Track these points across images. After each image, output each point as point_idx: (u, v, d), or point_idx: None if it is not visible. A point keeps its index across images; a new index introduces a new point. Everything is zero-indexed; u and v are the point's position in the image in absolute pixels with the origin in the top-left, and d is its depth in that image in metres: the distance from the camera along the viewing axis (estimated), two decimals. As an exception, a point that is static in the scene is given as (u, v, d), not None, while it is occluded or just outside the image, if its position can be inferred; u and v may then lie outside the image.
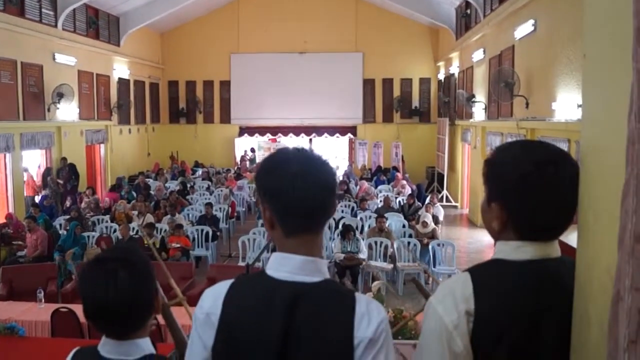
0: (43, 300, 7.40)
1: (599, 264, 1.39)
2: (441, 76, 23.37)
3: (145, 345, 1.88)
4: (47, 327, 6.70)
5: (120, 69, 20.61)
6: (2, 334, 5.86)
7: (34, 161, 15.79)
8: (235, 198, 16.29)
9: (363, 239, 10.81)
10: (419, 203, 14.51)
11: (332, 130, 24.46)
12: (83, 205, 14.19)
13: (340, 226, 11.35)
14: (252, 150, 24.27)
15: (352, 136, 24.61)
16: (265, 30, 23.66)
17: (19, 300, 7.77)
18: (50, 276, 9.10)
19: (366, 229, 12.12)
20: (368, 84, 24.27)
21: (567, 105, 9.82)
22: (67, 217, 12.48)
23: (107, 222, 12.81)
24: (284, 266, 1.61)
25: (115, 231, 12.01)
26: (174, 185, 17.75)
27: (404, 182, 17.80)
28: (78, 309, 6.48)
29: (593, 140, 1.48)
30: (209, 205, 13.48)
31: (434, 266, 10.53)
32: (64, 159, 15.62)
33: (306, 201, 1.58)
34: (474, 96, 16.55)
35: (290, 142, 24.05)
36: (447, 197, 19.63)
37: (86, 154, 18.00)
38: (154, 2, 20.14)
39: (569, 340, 1.55)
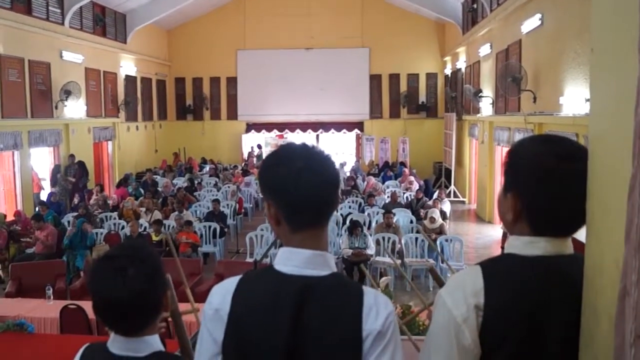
0: (52, 297, 7.44)
1: (607, 257, 1.39)
2: (448, 71, 23.31)
3: (154, 342, 1.88)
4: (56, 324, 6.74)
5: (127, 66, 20.66)
6: (12, 330, 5.89)
7: (37, 157, 15.81)
8: (242, 194, 16.31)
9: (371, 235, 10.80)
10: (427, 198, 14.49)
11: (339, 126, 24.46)
12: (92, 202, 14.24)
13: (347, 222, 11.35)
14: (259, 146, 24.26)
15: (359, 132, 24.58)
16: (272, 27, 23.66)
17: (28, 297, 7.82)
18: (59, 273, 9.13)
19: (374, 224, 12.12)
20: (375, 80, 24.24)
21: (575, 99, 9.78)
22: (75, 214, 12.54)
23: (115, 218, 12.85)
24: (291, 260, 1.62)
25: (123, 228, 12.05)
26: (181, 182, 17.79)
27: (412, 177, 17.79)
28: (87, 305, 6.52)
29: (601, 134, 1.48)
30: (216, 201, 13.49)
31: (442, 262, 10.50)
32: (72, 156, 15.67)
33: (311, 196, 1.59)
34: (481, 91, 16.50)
35: (297, 138, 24.03)
36: (454, 192, 19.59)
37: (94, 151, 18.06)
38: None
39: (576, 337, 1.55)
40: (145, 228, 11.68)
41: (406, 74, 24.12)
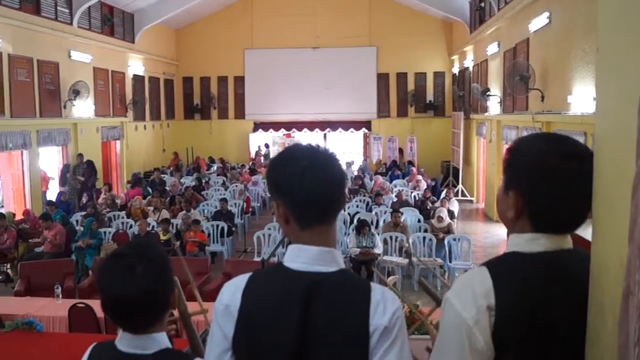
0: (60, 296, 7.46)
1: (612, 256, 1.39)
2: (455, 70, 23.27)
3: (162, 339, 1.90)
4: (65, 323, 6.76)
5: (135, 66, 20.72)
6: (21, 329, 5.92)
7: (46, 157, 15.87)
8: (250, 193, 16.32)
9: (378, 234, 10.80)
10: (434, 197, 14.48)
11: (347, 125, 24.44)
12: (100, 201, 14.30)
13: (355, 221, 11.34)
14: (267, 145, 24.28)
15: (366, 131, 24.57)
16: (279, 26, 23.68)
17: (37, 296, 7.85)
18: (68, 272, 9.16)
19: (381, 223, 12.11)
20: (382, 79, 24.21)
21: (583, 98, 9.75)
22: (84, 213, 12.59)
23: (123, 217, 12.90)
24: (300, 257, 1.65)
25: (131, 227, 12.10)
26: (189, 181, 17.83)
27: (419, 176, 17.76)
28: (95, 304, 6.54)
29: (606, 133, 1.48)
30: (224, 200, 13.51)
31: (450, 261, 10.50)
32: (81, 155, 15.73)
33: (316, 194, 1.62)
34: (488, 90, 16.46)
35: (305, 137, 24.07)
36: (462, 191, 19.55)
37: (102, 150, 18.12)
38: (168, -1, 20.30)
39: (582, 331, 1.55)
40: (153, 227, 11.72)
41: (413, 73, 24.09)
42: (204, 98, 24.84)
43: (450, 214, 12.29)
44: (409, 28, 23.42)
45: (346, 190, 1.77)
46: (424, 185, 16.76)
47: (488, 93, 16.37)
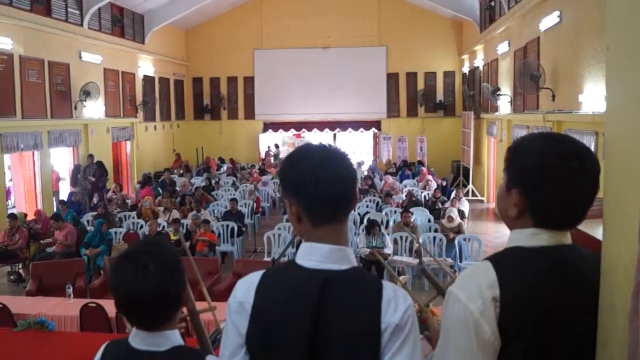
0: (72, 296, 7.50)
1: (623, 254, 1.39)
2: (465, 69, 23.19)
3: (175, 336, 1.93)
4: (76, 322, 6.80)
5: (145, 67, 20.79)
6: (33, 328, 5.95)
7: (57, 157, 15.95)
8: (259, 193, 16.33)
9: (388, 234, 10.79)
10: (444, 197, 14.45)
11: (356, 125, 24.41)
12: (109, 194, 14.35)
13: (365, 221, 11.34)
14: (277, 145, 24.30)
15: (376, 131, 24.53)
16: (288, 26, 23.69)
17: (49, 296, 7.92)
18: (79, 272, 9.21)
19: (391, 223, 12.10)
20: (392, 78, 24.17)
21: (594, 97, 9.70)
22: (95, 213, 12.65)
23: (133, 218, 12.95)
24: (312, 255, 1.67)
25: (141, 227, 12.14)
26: (199, 181, 17.87)
27: (429, 176, 17.73)
28: (106, 304, 6.57)
29: (617, 132, 1.49)
30: (234, 200, 13.53)
31: (460, 261, 10.47)
32: (91, 156, 15.81)
33: (327, 193, 1.63)
34: (499, 89, 16.41)
35: (315, 137, 24.07)
36: (472, 191, 19.50)
37: (112, 151, 18.20)
38: (178, 0, 20.31)
39: (585, 325, 1.57)
40: (163, 227, 11.75)
41: (423, 73, 24.03)
42: (213, 98, 24.88)
43: (461, 213, 12.27)
44: (418, 27, 23.39)
45: (356, 189, 1.77)
46: (434, 185, 16.72)
47: (498, 92, 16.31)
